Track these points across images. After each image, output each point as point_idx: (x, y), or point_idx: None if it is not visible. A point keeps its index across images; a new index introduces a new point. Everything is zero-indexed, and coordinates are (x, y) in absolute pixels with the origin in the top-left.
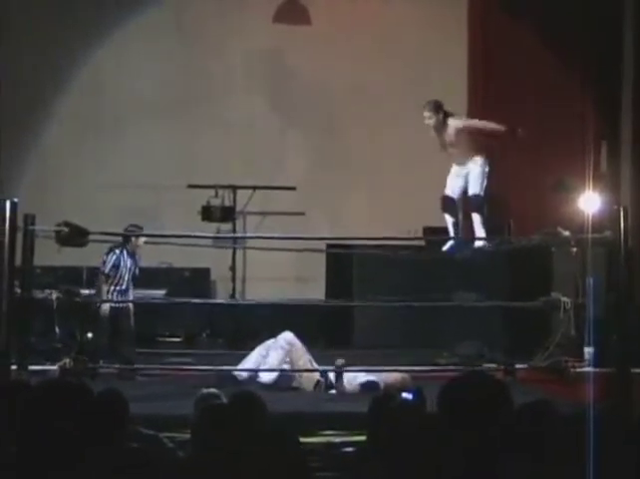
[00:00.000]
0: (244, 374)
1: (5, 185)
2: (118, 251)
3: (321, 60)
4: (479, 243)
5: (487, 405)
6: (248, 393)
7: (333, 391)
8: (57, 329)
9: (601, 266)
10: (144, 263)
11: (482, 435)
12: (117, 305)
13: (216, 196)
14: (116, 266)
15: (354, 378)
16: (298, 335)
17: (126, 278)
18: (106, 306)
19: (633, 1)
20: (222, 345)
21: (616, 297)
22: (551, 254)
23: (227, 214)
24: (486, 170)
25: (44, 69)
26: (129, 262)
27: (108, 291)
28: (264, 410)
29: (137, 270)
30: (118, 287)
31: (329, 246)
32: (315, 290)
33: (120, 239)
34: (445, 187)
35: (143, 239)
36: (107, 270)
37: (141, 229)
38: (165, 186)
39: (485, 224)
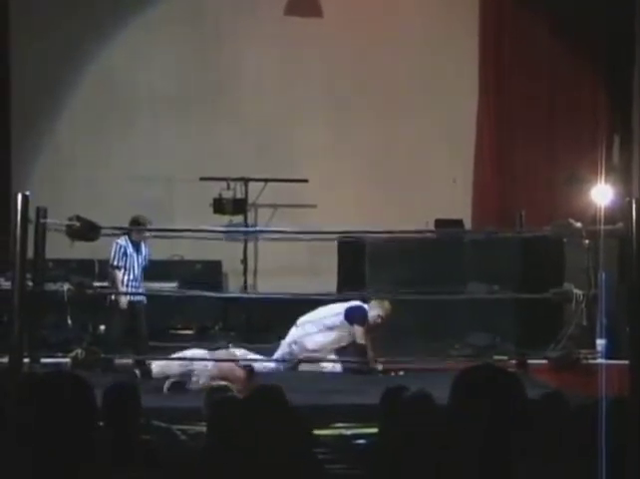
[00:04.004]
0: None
1: (17, 178)
2: (121, 241)
3: (333, 52)
4: None
5: (499, 397)
6: (274, 387)
7: None
8: (69, 322)
9: (613, 258)
10: (155, 256)
11: (494, 427)
12: (132, 298)
13: (228, 188)
14: (124, 256)
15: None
16: None
17: (136, 268)
18: (124, 298)
19: None
20: (235, 338)
21: (628, 289)
22: (563, 246)
23: (239, 206)
24: None
25: (56, 62)
26: (135, 252)
27: (123, 283)
28: (286, 404)
29: (146, 262)
30: (131, 277)
31: (341, 238)
32: (327, 282)
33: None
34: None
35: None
36: (116, 262)
37: (145, 219)
38: (177, 178)
39: None
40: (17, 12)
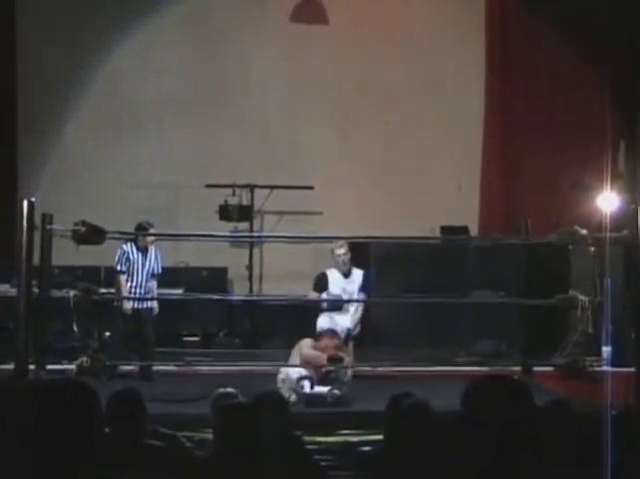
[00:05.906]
0: None
1: (23, 184)
2: (125, 247)
3: (338, 59)
4: None
5: (509, 407)
6: (274, 393)
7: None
8: (75, 328)
9: (619, 265)
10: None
11: (502, 435)
12: (137, 304)
13: (234, 195)
14: (127, 261)
15: None
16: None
17: (140, 274)
18: (128, 304)
19: None
20: (239, 345)
21: (633, 296)
22: (569, 253)
23: (245, 213)
24: None
25: (63, 69)
26: (140, 258)
27: (126, 288)
28: (288, 410)
29: (156, 268)
30: (134, 283)
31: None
32: None
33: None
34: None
35: (152, 237)
36: (118, 267)
37: (151, 225)
38: (183, 185)
39: None
40: (23, 17)
